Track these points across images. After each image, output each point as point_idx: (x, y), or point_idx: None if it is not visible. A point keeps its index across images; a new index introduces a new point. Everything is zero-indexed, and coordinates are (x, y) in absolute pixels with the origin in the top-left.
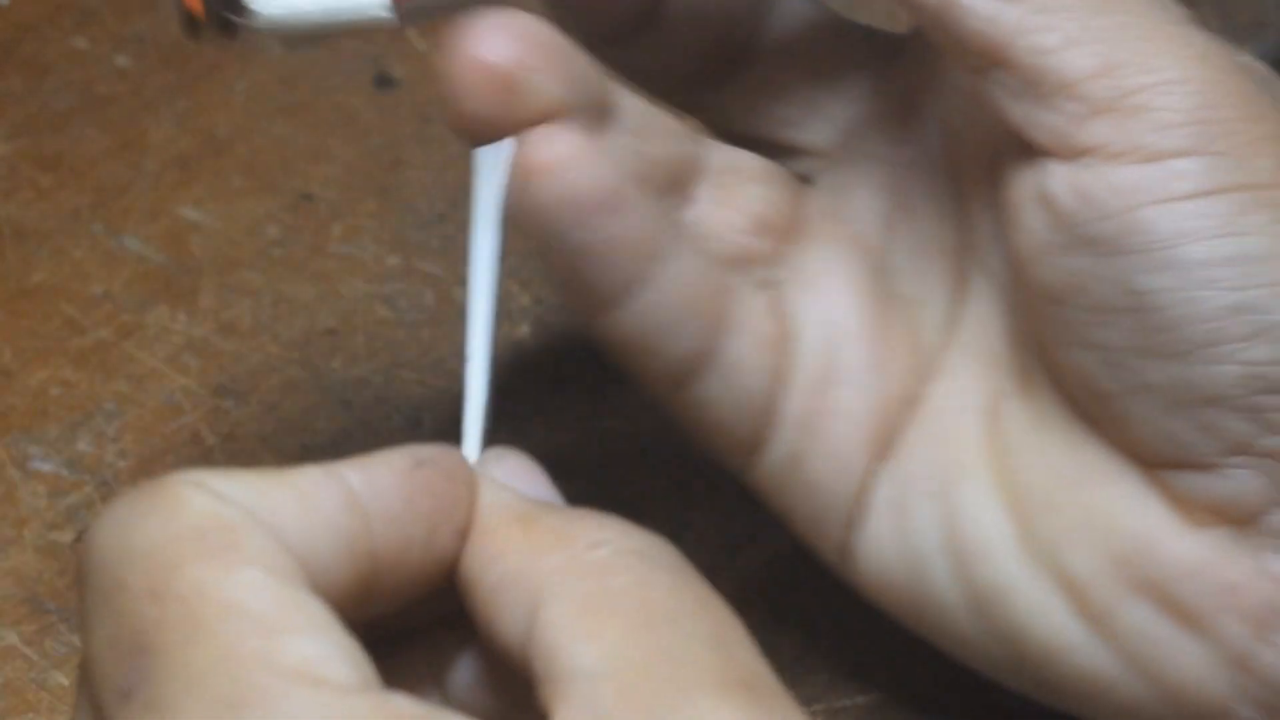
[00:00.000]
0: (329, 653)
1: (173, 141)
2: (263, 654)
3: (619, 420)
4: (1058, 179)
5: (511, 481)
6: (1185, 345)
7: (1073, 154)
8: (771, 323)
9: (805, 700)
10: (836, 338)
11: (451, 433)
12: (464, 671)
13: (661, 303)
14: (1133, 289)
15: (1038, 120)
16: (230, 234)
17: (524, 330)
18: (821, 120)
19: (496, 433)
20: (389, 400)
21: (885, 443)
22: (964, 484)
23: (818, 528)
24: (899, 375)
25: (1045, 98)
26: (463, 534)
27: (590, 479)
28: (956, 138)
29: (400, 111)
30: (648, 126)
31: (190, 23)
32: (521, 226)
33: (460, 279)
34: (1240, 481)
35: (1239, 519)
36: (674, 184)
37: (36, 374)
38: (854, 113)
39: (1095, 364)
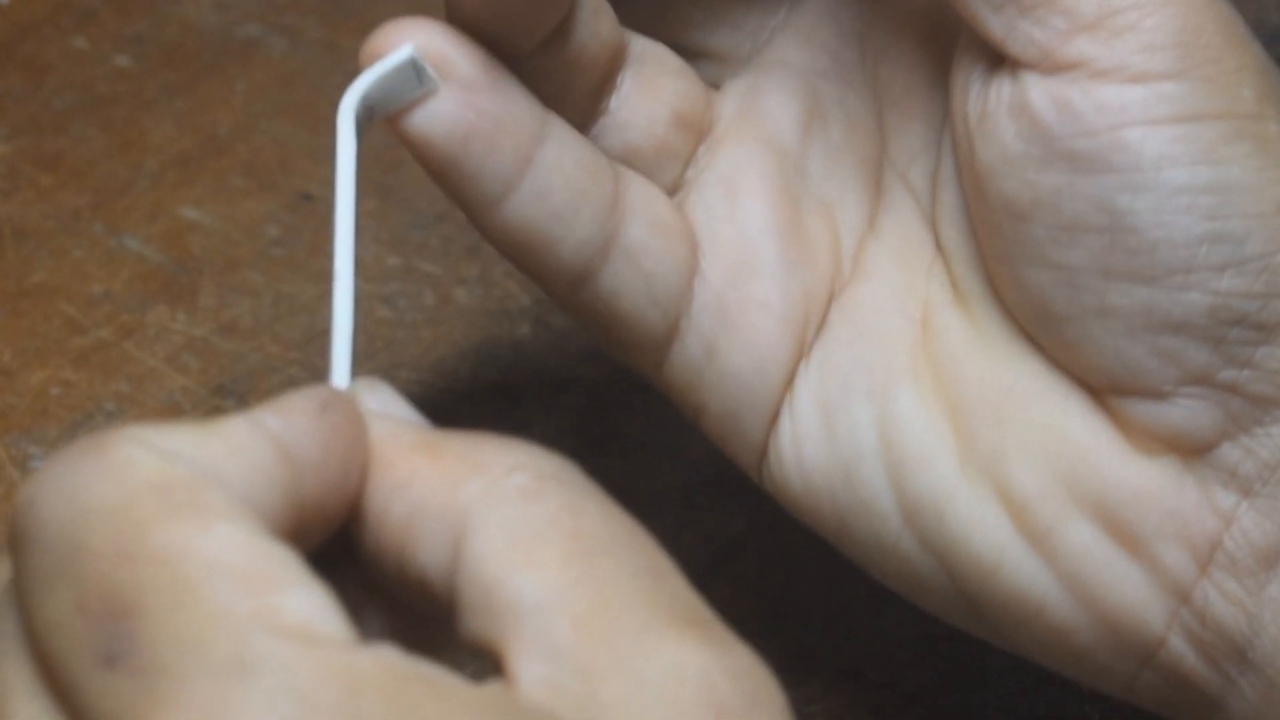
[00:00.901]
0: (319, 607)
1: (173, 141)
2: (261, 614)
3: (619, 420)
4: (1037, 91)
5: (387, 411)
6: (1157, 270)
7: (1055, 68)
8: (676, 214)
9: (805, 700)
10: (750, 232)
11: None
12: (370, 613)
13: (550, 188)
14: (1110, 208)
15: (1020, 32)
16: (230, 234)
17: (524, 330)
18: (731, 26)
19: (498, 431)
20: None
21: (807, 339)
22: (900, 389)
23: (736, 425)
24: (818, 272)
25: (1029, 10)
26: (364, 472)
27: (590, 479)
28: (885, 55)
29: None
30: (599, 5)
31: None
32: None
33: (461, 279)
34: (1193, 412)
35: (1189, 450)
36: (610, 68)
37: (36, 374)
38: (766, 20)
39: (1053, 283)
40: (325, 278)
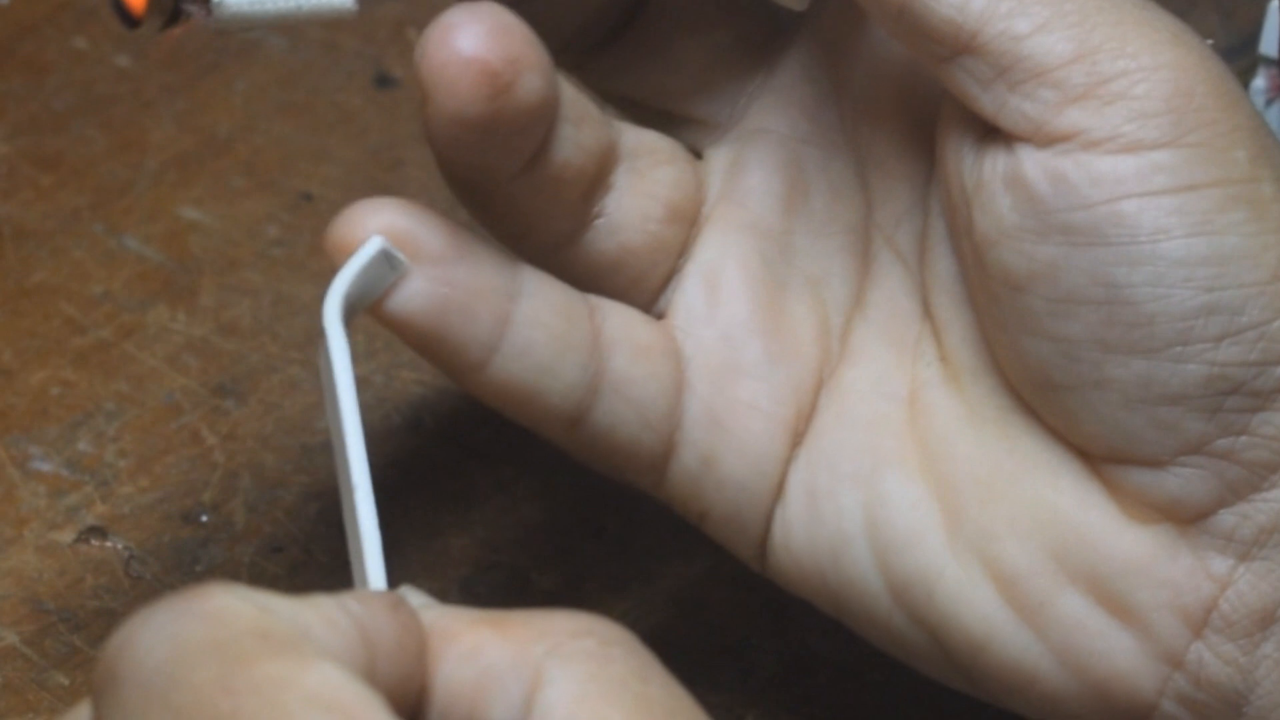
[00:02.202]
0: None
1: (173, 141)
2: None
3: None
4: (1031, 164)
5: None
6: (1154, 342)
7: (1049, 140)
8: (656, 333)
9: (805, 700)
10: (733, 332)
11: (451, 432)
12: None
13: (531, 343)
14: (1107, 281)
15: (1011, 107)
16: (230, 234)
17: None
18: (712, 93)
19: (502, 438)
20: (389, 400)
21: (799, 430)
22: (887, 471)
23: (738, 525)
24: (804, 363)
25: (1019, 84)
26: (426, 670)
27: (590, 479)
28: (865, 116)
29: (400, 111)
30: (581, 114)
31: (125, 16)
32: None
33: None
34: (1189, 481)
35: (1185, 518)
36: (600, 172)
37: (36, 374)
38: (747, 86)
39: (1051, 354)
40: (325, 278)
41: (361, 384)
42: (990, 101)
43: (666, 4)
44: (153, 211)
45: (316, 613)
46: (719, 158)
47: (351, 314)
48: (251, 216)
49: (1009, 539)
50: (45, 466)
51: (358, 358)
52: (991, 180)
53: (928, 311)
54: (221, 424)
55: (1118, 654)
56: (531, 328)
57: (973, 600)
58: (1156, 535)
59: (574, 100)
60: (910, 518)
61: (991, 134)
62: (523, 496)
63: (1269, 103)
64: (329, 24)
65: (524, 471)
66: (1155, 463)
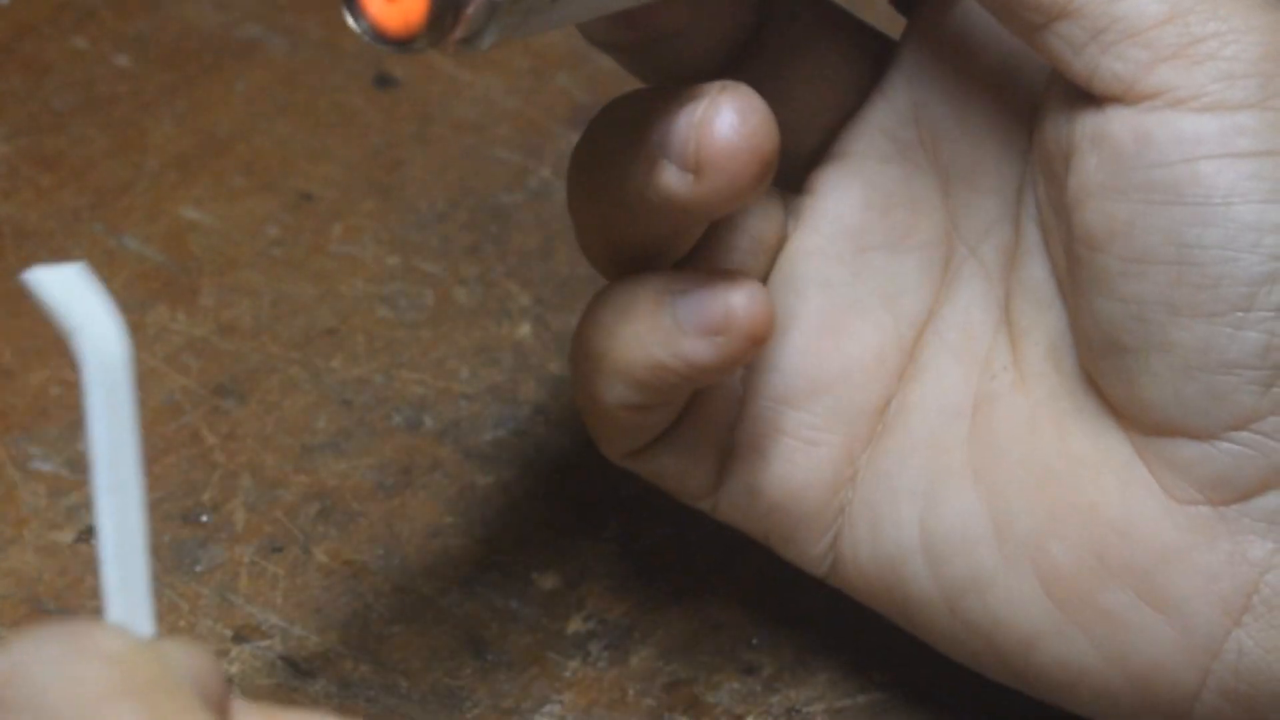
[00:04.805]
0: None
1: (173, 141)
2: None
3: None
4: (1119, 123)
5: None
6: (1218, 305)
7: (1137, 99)
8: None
9: (805, 700)
10: (792, 359)
11: (451, 432)
12: None
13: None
14: (1178, 240)
15: (1104, 69)
16: (230, 234)
17: (524, 330)
18: (811, 125)
19: (502, 438)
20: (389, 400)
21: (858, 454)
22: (942, 485)
23: (799, 548)
24: (870, 385)
25: (1112, 44)
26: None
27: (591, 479)
28: (946, 134)
29: (400, 111)
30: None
31: (389, 40)
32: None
33: (461, 278)
34: (1236, 458)
35: (1227, 498)
36: None
37: (36, 374)
38: (840, 114)
39: (1122, 316)
40: (325, 278)
41: (361, 384)
42: (1084, 65)
43: (777, 38)
44: (153, 211)
45: (197, 660)
46: (803, 183)
47: None
48: (251, 216)
49: (1053, 540)
50: (45, 466)
51: (358, 358)
52: (1081, 141)
53: (1007, 319)
54: (221, 424)
55: (1158, 646)
56: None
57: (1022, 602)
58: (1195, 519)
59: None
60: (962, 527)
61: (1084, 99)
62: (523, 496)
63: None
64: (329, 24)
65: (524, 471)
66: (1206, 435)
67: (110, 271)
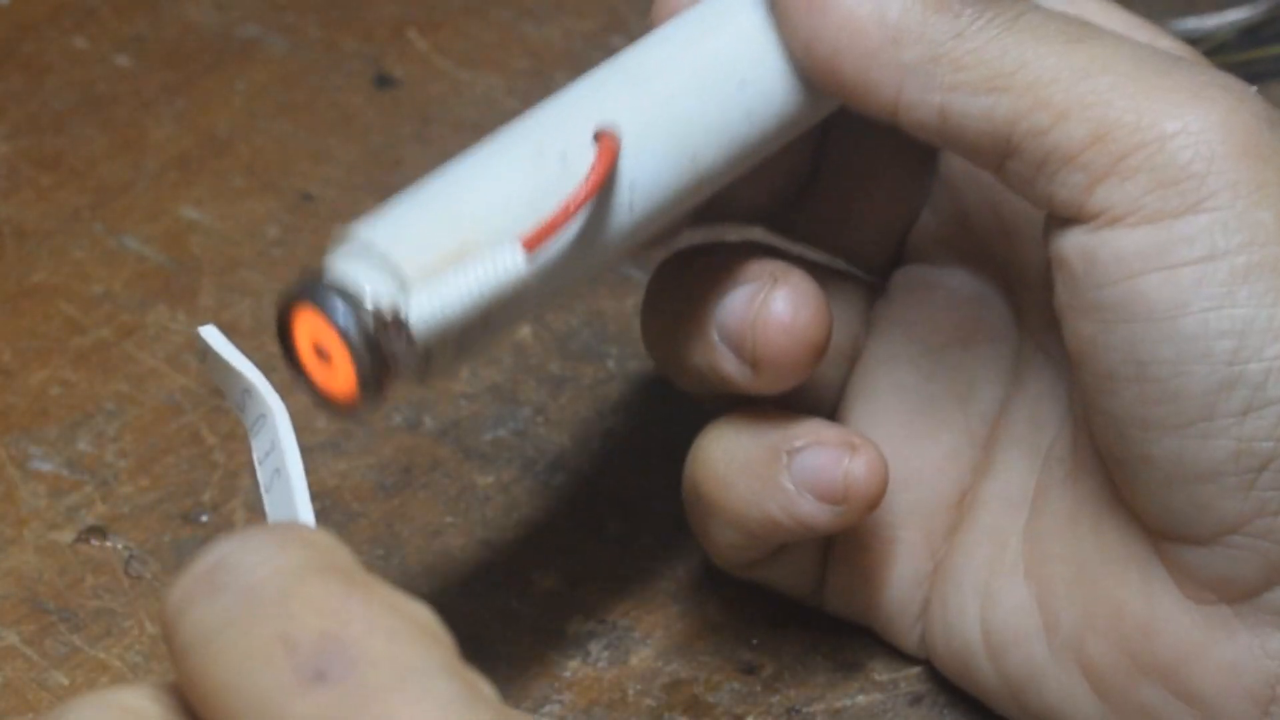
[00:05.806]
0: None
1: (173, 141)
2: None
3: (619, 420)
4: (1069, 245)
5: None
6: (1181, 418)
7: (1087, 219)
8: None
9: (805, 700)
10: (888, 456)
11: (451, 432)
12: None
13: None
14: (1135, 358)
15: (1054, 196)
16: (230, 234)
17: (524, 330)
18: (879, 240)
19: (502, 438)
20: (389, 400)
21: (938, 550)
22: (1000, 578)
23: (892, 635)
24: (947, 483)
25: (1055, 173)
26: None
27: (590, 479)
28: (1002, 233)
29: (400, 111)
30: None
31: (338, 408)
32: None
33: None
34: (1234, 560)
35: (1236, 596)
36: None
37: (36, 374)
38: (906, 226)
39: (1106, 429)
40: None
41: None
42: (1038, 194)
43: (842, 162)
44: (153, 211)
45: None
46: (872, 292)
47: None
48: (251, 216)
49: (1091, 636)
50: (45, 466)
51: None
52: (1052, 261)
53: (1071, 410)
54: (221, 424)
55: None
56: None
57: (1072, 695)
58: (1215, 616)
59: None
60: (1015, 621)
61: (1052, 220)
62: (523, 496)
63: None
64: (329, 24)
65: (524, 472)
66: (1202, 541)
67: (110, 271)
